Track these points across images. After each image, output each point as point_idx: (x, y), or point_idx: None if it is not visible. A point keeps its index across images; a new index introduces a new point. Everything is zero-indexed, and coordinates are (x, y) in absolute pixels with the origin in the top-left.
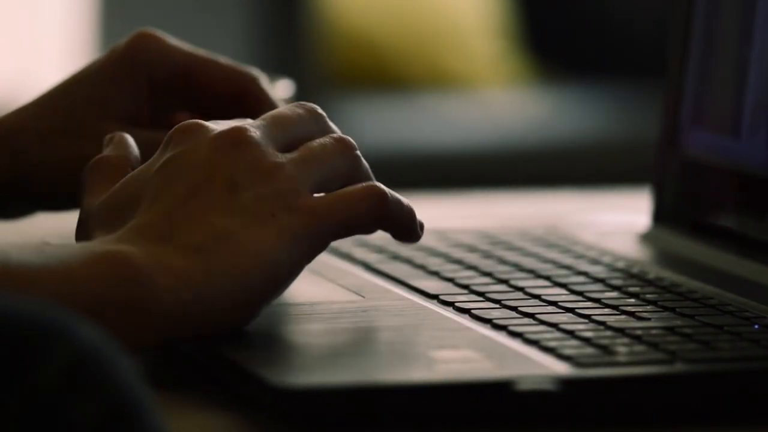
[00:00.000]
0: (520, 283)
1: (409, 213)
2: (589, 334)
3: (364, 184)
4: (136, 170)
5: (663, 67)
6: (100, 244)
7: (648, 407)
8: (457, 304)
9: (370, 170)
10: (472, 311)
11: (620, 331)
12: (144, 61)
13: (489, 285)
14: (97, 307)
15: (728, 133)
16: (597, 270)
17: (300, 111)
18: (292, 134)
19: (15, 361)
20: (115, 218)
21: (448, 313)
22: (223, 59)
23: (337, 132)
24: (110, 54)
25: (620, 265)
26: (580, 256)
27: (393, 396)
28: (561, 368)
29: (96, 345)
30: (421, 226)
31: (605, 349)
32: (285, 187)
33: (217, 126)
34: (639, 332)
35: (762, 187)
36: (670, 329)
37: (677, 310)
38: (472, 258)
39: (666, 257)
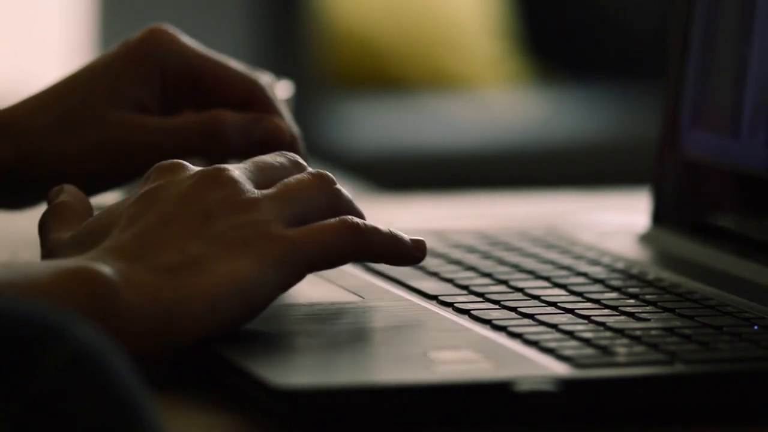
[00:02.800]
0: (520, 284)
1: (391, 240)
2: (588, 335)
3: (338, 217)
4: (111, 204)
5: (663, 67)
6: (68, 261)
7: (648, 408)
8: (456, 304)
9: (353, 203)
10: (472, 312)
11: (620, 331)
12: (156, 55)
13: (488, 286)
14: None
15: (728, 133)
16: (596, 271)
17: (280, 158)
18: (270, 175)
19: (14, 362)
20: (88, 245)
21: (448, 314)
22: (234, 63)
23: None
24: (122, 46)
25: (620, 265)
26: (579, 257)
27: (392, 396)
28: (561, 369)
29: (94, 346)
30: (421, 247)
31: (605, 350)
32: (259, 218)
33: (197, 167)
34: (638, 333)
35: (762, 188)
36: (669, 330)
37: (677, 310)
38: (472, 258)
39: (665, 258)
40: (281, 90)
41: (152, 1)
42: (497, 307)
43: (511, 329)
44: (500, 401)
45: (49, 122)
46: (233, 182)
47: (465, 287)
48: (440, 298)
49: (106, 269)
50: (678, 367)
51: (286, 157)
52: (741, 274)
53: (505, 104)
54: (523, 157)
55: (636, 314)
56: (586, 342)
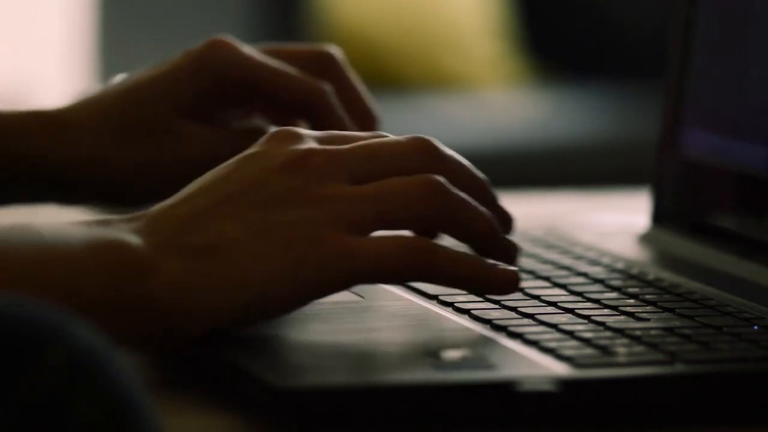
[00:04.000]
0: (520, 284)
1: (469, 269)
2: (588, 335)
3: (413, 235)
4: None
5: (663, 67)
6: (105, 230)
7: (648, 408)
8: (456, 304)
9: (473, 211)
10: (472, 312)
11: (620, 331)
12: (216, 66)
13: None
14: (95, 297)
15: (728, 133)
16: (596, 271)
17: (404, 142)
18: (380, 166)
19: (11, 361)
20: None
21: (448, 314)
22: (294, 70)
23: (474, 171)
24: (183, 56)
25: (620, 265)
26: (579, 257)
27: (392, 397)
28: (561, 369)
29: (92, 345)
30: (509, 279)
31: (605, 350)
32: (320, 218)
33: (309, 141)
34: (638, 333)
35: (762, 188)
36: (669, 330)
37: (677, 310)
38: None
39: (665, 258)
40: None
41: (152, 2)
42: (497, 307)
43: (511, 329)
44: (500, 401)
45: (110, 128)
46: (319, 171)
47: None
48: (440, 297)
49: (138, 242)
50: (678, 367)
51: (416, 140)
52: (741, 274)
53: (505, 104)
54: (523, 157)
55: (636, 314)
56: (586, 342)
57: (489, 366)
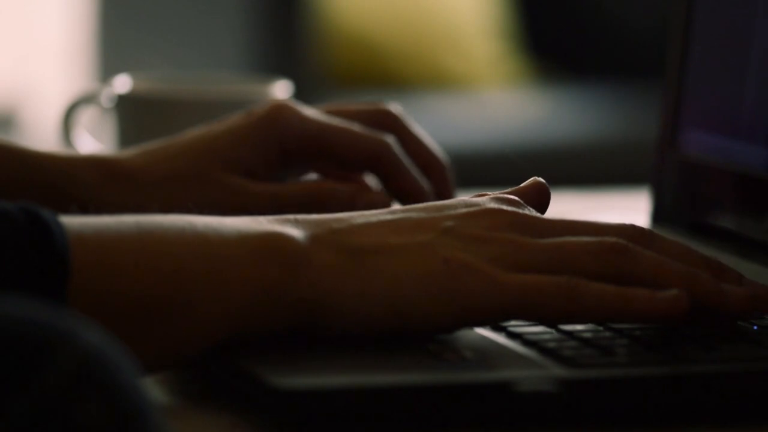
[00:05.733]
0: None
1: (618, 304)
2: (588, 335)
3: (566, 277)
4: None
5: (663, 67)
6: (262, 224)
7: (647, 408)
8: None
9: (653, 271)
10: None
11: (619, 332)
12: (279, 130)
13: None
14: (249, 285)
15: (728, 133)
16: None
17: (598, 245)
18: (558, 233)
19: (20, 364)
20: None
21: None
22: (357, 127)
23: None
24: (248, 116)
25: None
26: None
27: (392, 397)
28: (561, 369)
29: (102, 349)
30: (677, 306)
31: (604, 350)
32: (491, 254)
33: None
34: (638, 333)
35: (761, 188)
36: (669, 330)
37: None
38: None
39: None
40: (280, 90)
41: (152, 2)
42: None
43: (511, 329)
44: (500, 401)
45: (167, 175)
46: (510, 218)
47: None
48: None
49: (297, 234)
50: (678, 367)
51: (633, 228)
52: None
53: (505, 104)
54: (523, 157)
55: None
56: (586, 342)
57: (489, 366)
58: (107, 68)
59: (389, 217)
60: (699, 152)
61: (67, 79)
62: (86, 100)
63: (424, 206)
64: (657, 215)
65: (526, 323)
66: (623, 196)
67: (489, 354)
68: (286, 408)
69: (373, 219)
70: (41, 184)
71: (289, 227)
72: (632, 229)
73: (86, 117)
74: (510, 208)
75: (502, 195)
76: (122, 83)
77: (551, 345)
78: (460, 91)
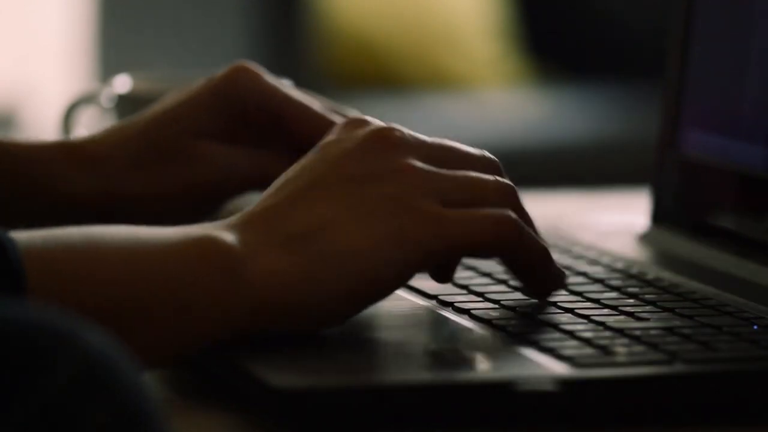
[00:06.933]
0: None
1: (542, 252)
2: (588, 335)
3: (499, 210)
4: None
5: (663, 67)
6: (197, 228)
7: (647, 408)
8: (456, 304)
9: (532, 222)
10: (472, 311)
11: (619, 331)
12: (239, 92)
13: (488, 285)
14: (185, 292)
15: (728, 133)
16: (596, 270)
17: (475, 152)
18: (452, 159)
19: (24, 367)
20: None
21: (448, 314)
22: (317, 104)
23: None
24: (206, 81)
25: (619, 265)
26: (579, 257)
27: (392, 397)
28: (560, 369)
29: (104, 351)
30: (559, 276)
31: (605, 350)
32: (413, 190)
33: (377, 123)
34: (638, 333)
35: (761, 188)
36: (669, 330)
37: (676, 310)
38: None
39: (665, 258)
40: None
41: (152, 2)
42: (497, 306)
43: (511, 329)
44: (500, 401)
45: (134, 156)
46: (400, 146)
47: (465, 287)
48: (440, 297)
49: (230, 238)
50: (678, 367)
51: (483, 153)
52: (741, 274)
53: (505, 104)
54: (523, 157)
55: (636, 314)
56: (586, 342)
57: (489, 366)
58: (107, 68)
59: (307, 180)
60: (699, 152)
61: (67, 79)
62: (86, 100)
63: (316, 158)
64: (657, 215)
65: (525, 323)
66: (623, 196)
67: (489, 354)
68: (286, 408)
69: (294, 190)
70: (13, 173)
71: (225, 232)
72: (488, 156)
73: (86, 117)
74: (397, 134)
75: (372, 120)
76: (122, 83)
77: (551, 344)
78: (460, 91)
